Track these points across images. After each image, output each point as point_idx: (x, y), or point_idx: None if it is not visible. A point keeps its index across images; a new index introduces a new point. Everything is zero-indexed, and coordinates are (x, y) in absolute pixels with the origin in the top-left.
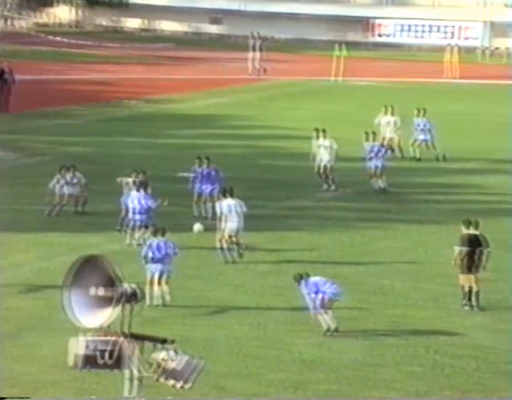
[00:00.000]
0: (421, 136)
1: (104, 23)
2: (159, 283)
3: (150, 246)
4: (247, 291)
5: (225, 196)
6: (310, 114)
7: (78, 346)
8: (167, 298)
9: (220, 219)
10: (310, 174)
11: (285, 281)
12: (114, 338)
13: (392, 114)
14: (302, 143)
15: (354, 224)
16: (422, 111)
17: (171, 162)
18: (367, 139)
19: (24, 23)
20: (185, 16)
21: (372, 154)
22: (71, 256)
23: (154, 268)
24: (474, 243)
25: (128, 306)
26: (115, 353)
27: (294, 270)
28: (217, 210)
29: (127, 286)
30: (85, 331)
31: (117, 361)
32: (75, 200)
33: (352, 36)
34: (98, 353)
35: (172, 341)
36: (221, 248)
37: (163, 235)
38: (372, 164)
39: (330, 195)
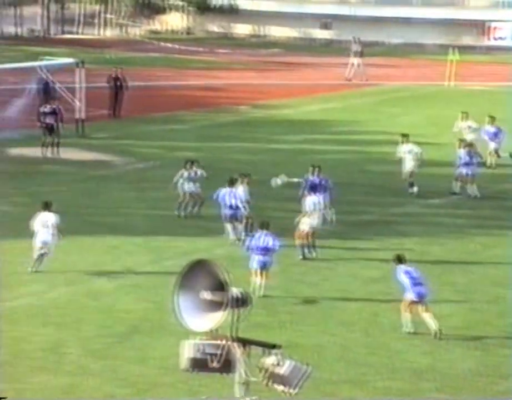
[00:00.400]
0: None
1: (215, 29)
2: (261, 274)
3: (255, 238)
4: (355, 297)
5: (309, 194)
6: (420, 119)
7: (188, 349)
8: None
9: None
10: (418, 180)
11: (393, 288)
12: (223, 342)
13: (468, 119)
14: None
15: (465, 231)
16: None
17: (280, 167)
18: (459, 146)
19: (137, 30)
20: (294, 22)
21: (465, 161)
22: (180, 260)
23: (257, 260)
24: None
25: (235, 310)
26: (224, 357)
27: None
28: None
29: (236, 291)
30: (196, 334)
31: (226, 365)
32: (194, 200)
33: (466, 39)
34: (207, 357)
35: (280, 347)
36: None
37: (267, 228)
38: (463, 171)
39: (438, 201)
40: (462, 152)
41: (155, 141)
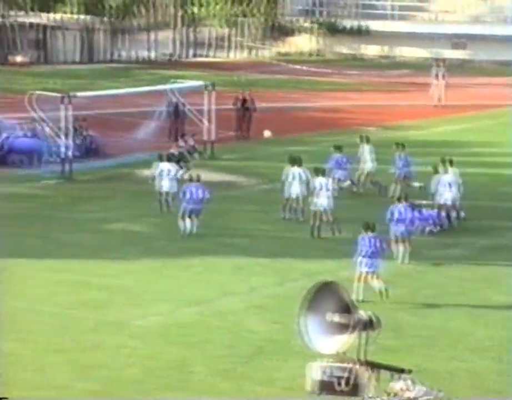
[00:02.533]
0: None
1: (344, 51)
2: (372, 277)
3: (361, 239)
4: (489, 323)
5: (317, 175)
6: None
7: (315, 372)
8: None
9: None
10: None
11: None
12: (350, 365)
13: None
14: None
15: None
16: None
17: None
18: None
19: (266, 52)
20: (425, 42)
21: None
22: (306, 281)
23: (365, 262)
24: None
25: (363, 333)
26: (352, 380)
27: None
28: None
29: (363, 314)
30: (322, 356)
31: (354, 389)
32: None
33: None
34: (334, 379)
35: (410, 371)
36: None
37: (373, 231)
38: None
39: None
40: None
41: (282, 162)
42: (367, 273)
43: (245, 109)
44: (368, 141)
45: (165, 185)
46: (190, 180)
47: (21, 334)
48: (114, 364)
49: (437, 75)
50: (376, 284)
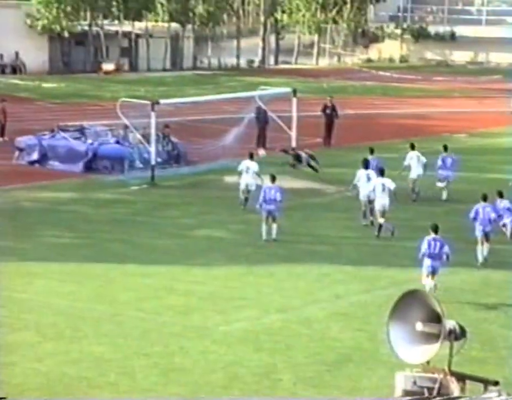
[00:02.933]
0: None
1: (431, 57)
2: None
3: (425, 242)
4: None
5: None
6: None
7: (402, 381)
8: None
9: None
10: None
11: None
12: (439, 375)
13: None
14: None
15: None
16: None
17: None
18: None
19: (352, 59)
20: None
21: None
22: (392, 290)
23: (428, 264)
24: None
25: (448, 343)
26: (440, 391)
27: None
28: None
29: (451, 323)
30: (409, 366)
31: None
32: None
33: None
34: (421, 389)
35: (496, 383)
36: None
37: (436, 232)
38: None
39: None
40: None
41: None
42: (429, 273)
43: (327, 116)
44: (413, 148)
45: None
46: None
47: (107, 338)
48: (198, 369)
49: None
50: (430, 282)
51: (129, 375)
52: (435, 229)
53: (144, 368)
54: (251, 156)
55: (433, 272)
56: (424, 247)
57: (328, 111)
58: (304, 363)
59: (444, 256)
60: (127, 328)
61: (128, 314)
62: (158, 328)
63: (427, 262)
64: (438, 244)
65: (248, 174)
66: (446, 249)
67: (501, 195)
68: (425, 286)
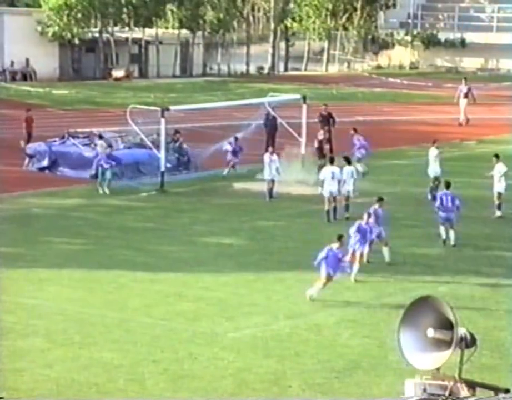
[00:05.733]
0: None
1: (441, 64)
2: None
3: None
4: None
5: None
6: None
7: (412, 388)
8: None
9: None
10: None
11: None
12: (450, 383)
13: None
14: None
15: None
16: None
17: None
18: None
19: (362, 65)
20: None
21: None
22: (402, 296)
23: (442, 216)
24: None
25: (459, 350)
26: (450, 399)
27: None
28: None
29: (463, 330)
30: (419, 373)
31: None
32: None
33: None
34: (431, 397)
35: (508, 391)
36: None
37: (448, 188)
38: None
39: None
40: None
41: (378, 176)
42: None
43: (329, 123)
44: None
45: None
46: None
47: (116, 344)
48: (208, 375)
49: (459, 95)
50: (451, 235)
51: (138, 382)
52: (447, 185)
53: (153, 374)
54: (331, 161)
55: (448, 221)
56: (437, 202)
57: (328, 118)
58: (312, 369)
59: (455, 209)
60: (136, 334)
61: (137, 320)
62: (167, 334)
63: (441, 215)
64: (449, 198)
65: (333, 180)
66: (457, 202)
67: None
68: (440, 235)
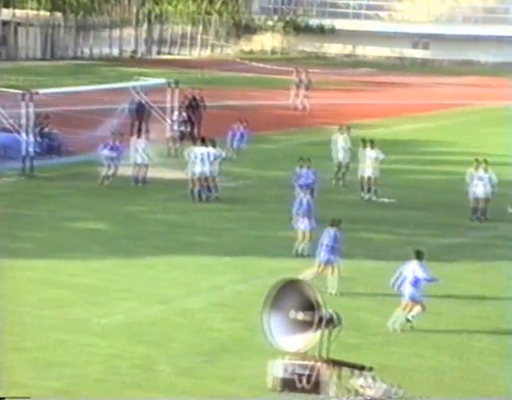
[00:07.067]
0: None
1: (307, 49)
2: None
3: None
4: (448, 320)
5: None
6: None
7: (276, 369)
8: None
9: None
10: (510, 201)
11: (488, 311)
12: (312, 363)
13: None
14: (504, 169)
15: None
16: None
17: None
18: None
19: (230, 50)
20: (387, 41)
21: None
22: (270, 279)
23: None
24: None
25: (325, 331)
26: (313, 378)
27: (499, 301)
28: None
29: (327, 311)
30: (284, 354)
31: (315, 386)
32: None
33: None
34: (296, 377)
35: (371, 369)
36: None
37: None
38: None
39: None
40: None
41: (245, 160)
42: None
43: (194, 108)
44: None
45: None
46: None
47: None
48: (77, 362)
49: (298, 84)
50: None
51: (7, 370)
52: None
53: (22, 363)
54: (200, 142)
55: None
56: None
57: (193, 103)
58: (183, 354)
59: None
60: (5, 322)
61: (5, 308)
62: (36, 321)
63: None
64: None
65: (200, 162)
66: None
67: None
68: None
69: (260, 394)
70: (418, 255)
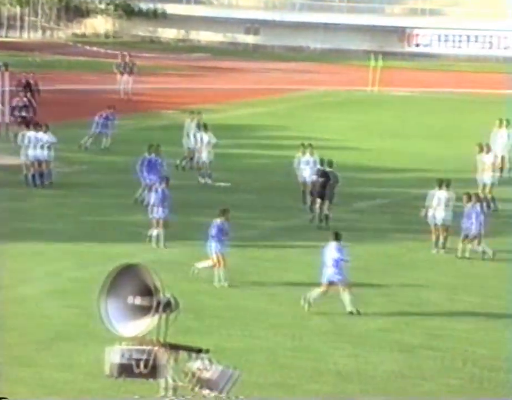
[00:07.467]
0: None
1: (141, 33)
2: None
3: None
4: (282, 301)
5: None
6: (344, 125)
7: (113, 355)
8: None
9: None
10: (344, 185)
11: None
12: (149, 347)
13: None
14: (336, 153)
15: (390, 235)
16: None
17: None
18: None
19: (62, 33)
20: (220, 27)
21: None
22: (107, 265)
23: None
24: None
25: (163, 315)
26: (150, 362)
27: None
28: None
29: (164, 296)
30: (121, 340)
31: (152, 371)
32: None
33: (389, 46)
34: (133, 362)
35: (207, 351)
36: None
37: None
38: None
39: (365, 205)
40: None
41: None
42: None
43: (30, 91)
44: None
45: None
46: None
47: None
48: None
49: (123, 70)
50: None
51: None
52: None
53: None
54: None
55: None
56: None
57: (27, 88)
58: (17, 343)
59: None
60: None
61: None
62: None
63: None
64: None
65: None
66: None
67: None
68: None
69: (98, 381)
70: (337, 237)
